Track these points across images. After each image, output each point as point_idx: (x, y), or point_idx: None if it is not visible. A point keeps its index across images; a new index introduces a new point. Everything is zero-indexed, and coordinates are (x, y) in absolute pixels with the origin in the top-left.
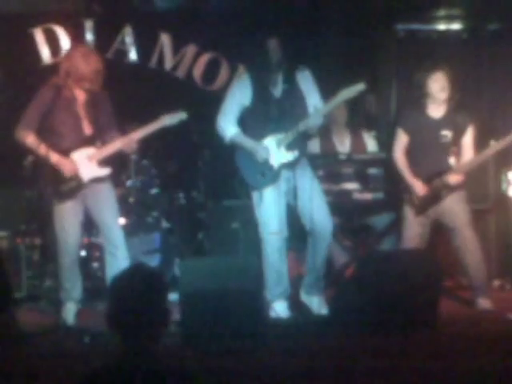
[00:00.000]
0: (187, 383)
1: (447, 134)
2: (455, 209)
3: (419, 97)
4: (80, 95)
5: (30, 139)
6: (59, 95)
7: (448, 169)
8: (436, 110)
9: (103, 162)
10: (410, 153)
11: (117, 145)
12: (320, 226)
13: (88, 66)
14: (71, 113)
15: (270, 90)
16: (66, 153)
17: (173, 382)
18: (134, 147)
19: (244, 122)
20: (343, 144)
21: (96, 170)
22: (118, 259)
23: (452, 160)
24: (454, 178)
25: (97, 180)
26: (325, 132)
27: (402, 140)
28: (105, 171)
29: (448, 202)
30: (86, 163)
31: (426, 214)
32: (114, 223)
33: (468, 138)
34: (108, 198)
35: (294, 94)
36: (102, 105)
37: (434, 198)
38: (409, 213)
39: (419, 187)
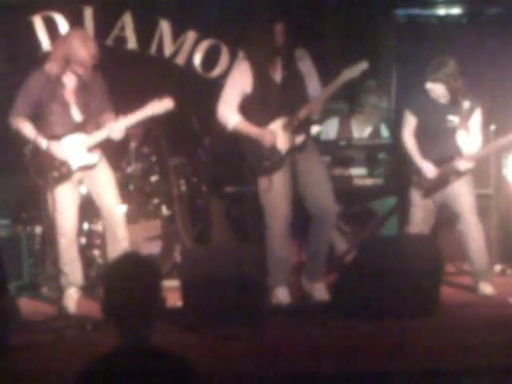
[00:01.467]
0: (184, 369)
1: (453, 118)
2: (461, 193)
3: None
4: (70, 81)
5: (22, 126)
6: (48, 82)
7: (456, 153)
8: (442, 95)
9: (93, 149)
10: (417, 136)
11: (104, 132)
12: (324, 210)
13: (87, 51)
14: (61, 100)
15: (270, 75)
16: (55, 139)
17: (169, 368)
18: (122, 134)
19: (245, 108)
20: (363, 131)
21: (85, 157)
22: (117, 238)
23: (459, 144)
24: (463, 165)
25: (86, 167)
26: (344, 117)
27: (410, 122)
28: (94, 158)
29: (455, 186)
30: (75, 150)
31: (433, 197)
32: (114, 203)
33: (476, 121)
34: (106, 178)
35: (294, 77)
36: (95, 88)
37: (442, 182)
38: (416, 196)
39: (429, 170)
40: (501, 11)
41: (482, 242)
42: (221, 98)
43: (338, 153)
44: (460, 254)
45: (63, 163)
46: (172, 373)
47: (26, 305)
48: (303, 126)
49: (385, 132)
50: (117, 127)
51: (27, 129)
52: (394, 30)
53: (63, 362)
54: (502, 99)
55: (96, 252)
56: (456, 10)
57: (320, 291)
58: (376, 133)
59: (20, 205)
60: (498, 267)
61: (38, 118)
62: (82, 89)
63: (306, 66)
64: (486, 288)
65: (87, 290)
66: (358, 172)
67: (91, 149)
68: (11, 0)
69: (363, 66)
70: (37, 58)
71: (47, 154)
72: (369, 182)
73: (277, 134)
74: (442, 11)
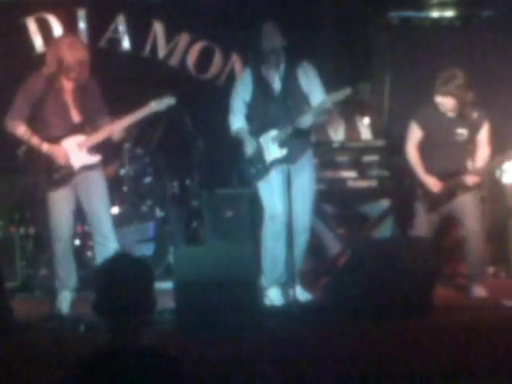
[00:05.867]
0: (173, 368)
1: (463, 132)
2: (467, 204)
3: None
4: (68, 84)
5: (19, 129)
6: (47, 85)
7: (464, 168)
8: (451, 108)
9: (93, 150)
10: (424, 149)
11: (105, 132)
12: (297, 222)
13: (73, 56)
14: (59, 101)
15: (270, 86)
16: (55, 141)
17: (159, 367)
18: (121, 133)
19: (247, 117)
20: (337, 132)
21: (86, 157)
22: (108, 249)
23: (468, 159)
24: (471, 179)
25: (88, 167)
26: None
27: (415, 135)
28: (95, 158)
29: (461, 198)
30: (75, 151)
31: (438, 210)
32: (104, 213)
33: (483, 135)
34: (99, 187)
35: (293, 90)
36: (91, 92)
37: (449, 195)
38: (420, 209)
39: (434, 184)
40: (494, 14)
41: (481, 249)
42: (229, 107)
43: (330, 155)
44: (455, 256)
45: (64, 165)
46: (161, 372)
47: (19, 306)
48: (292, 140)
49: (365, 133)
50: (118, 127)
51: (26, 132)
52: (387, 32)
53: (56, 363)
54: (496, 101)
55: (89, 253)
56: (449, 13)
57: (301, 292)
58: (352, 131)
59: (14, 206)
60: (491, 269)
61: (36, 121)
62: (79, 90)
63: (309, 79)
64: (479, 290)
65: (80, 291)
66: (350, 174)
67: (91, 149)
68: (4, 1)
69: (347, 91)
70: (31, 59)
71: (47, 156)
72: (362, 184)
73: (264, 145)
74: (435, 14)
